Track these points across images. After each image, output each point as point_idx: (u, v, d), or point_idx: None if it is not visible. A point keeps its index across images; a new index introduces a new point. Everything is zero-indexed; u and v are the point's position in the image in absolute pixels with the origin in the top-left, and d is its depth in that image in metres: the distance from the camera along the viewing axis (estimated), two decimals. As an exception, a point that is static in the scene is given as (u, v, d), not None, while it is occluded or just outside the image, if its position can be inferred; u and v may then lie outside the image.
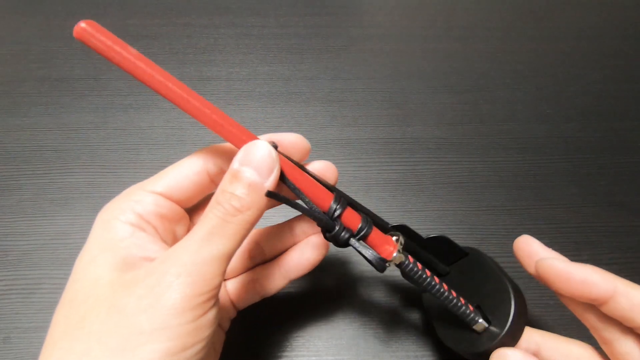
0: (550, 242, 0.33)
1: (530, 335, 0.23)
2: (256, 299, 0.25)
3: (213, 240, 0.18)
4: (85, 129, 0.40)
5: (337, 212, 0.21)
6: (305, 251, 0.24)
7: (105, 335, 0.16)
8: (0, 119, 0.40)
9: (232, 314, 0.26)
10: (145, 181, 0.22)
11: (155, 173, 0.22)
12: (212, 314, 0.18)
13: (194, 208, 0.24)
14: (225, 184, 0.19)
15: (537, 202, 0.36)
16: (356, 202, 0.23)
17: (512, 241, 0.33)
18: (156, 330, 0.16)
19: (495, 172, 0.38)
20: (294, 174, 0.21)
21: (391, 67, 0.48)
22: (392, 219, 0.34)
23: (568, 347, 0.22)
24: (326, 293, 0.30)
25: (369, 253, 0.22)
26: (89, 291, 0.18)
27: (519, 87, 0.46)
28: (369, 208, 0.24)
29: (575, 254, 0.33)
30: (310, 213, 0.21)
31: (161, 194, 0.21)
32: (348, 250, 0.32)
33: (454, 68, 0.48)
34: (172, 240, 0.22)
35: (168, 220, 0.22)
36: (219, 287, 0.18)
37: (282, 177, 0.20)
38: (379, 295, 0.30)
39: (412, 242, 0.25)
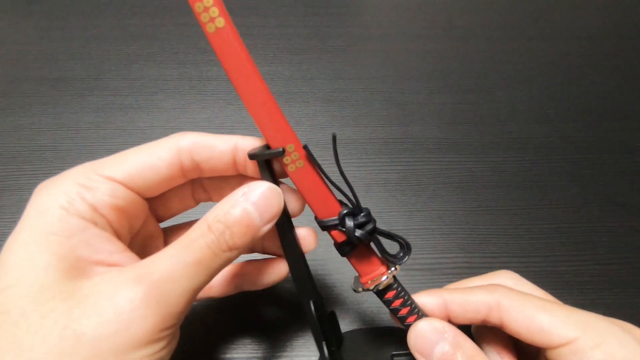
0: (550, 242, 0.34)
1: (439, 295, 0.21)
2: (199, 299, 0.24)
3: (199, 270, 0.16)
4: (85, 129, 0.40)
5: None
6: (261, 271, 0.23)
7: None
8: (0, 119, 0.40)
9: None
10: (100, 162, 0.19)
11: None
12: (174, 344, 0.17)
13: (155, 197, 0.21)
14: (222, 214, 0.17)
15: (537, 202, 0.36)
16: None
17: (512, 241, 0.33)
18: None
19: (495, 172, 0.38)
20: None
21: (391, 67, 0.48)
22: (392, 219, 0.34)
23: (470, 298, 0.20)
24: (326, 293, 0.30)
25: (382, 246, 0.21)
26: (28, 303, 0.15)
27: (519, 87, 0.46)
28: (369, 208, 0.23)
29: (575, 254, 0.33)
30: (344, 194, 0.20)
31: (121, 183, 0.18)
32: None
33: (454, 68, 0.48)
34: (127, 235, 0.19)
35: (125, 213, 0.19)
36: (183, 318, 0.17)
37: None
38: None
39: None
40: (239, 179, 0.22)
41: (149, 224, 0.22)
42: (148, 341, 0.15)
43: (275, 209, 0.18)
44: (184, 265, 0.16)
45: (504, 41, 0.52)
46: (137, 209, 0.20)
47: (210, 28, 0.17)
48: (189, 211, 0.24)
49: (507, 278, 0.22)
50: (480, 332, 0.22)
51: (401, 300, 0.21)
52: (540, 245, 0.33)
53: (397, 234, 0.21)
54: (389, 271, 0.21)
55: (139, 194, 0.19)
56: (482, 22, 0.55)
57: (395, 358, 0.23)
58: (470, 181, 0.37)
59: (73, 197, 0.17)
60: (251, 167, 0.21)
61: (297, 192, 0.21)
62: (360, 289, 0.22)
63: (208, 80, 0.45)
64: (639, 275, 0.32)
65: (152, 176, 0.19)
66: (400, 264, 0.21)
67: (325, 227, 0.21)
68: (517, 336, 0.19)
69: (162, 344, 0.16)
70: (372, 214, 0.21)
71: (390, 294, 0.21)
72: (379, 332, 0.26)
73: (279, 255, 0.24)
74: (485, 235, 0.34)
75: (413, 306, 0.21)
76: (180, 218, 0.24)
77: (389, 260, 0.21)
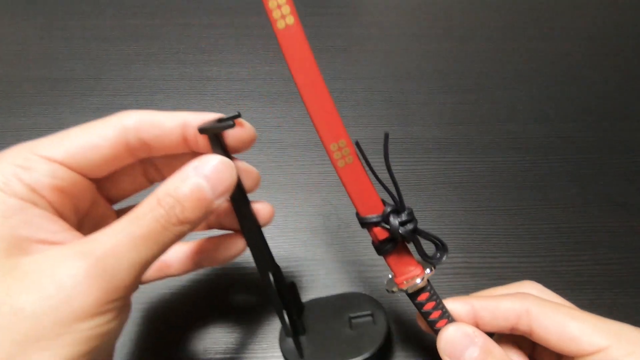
0: (550, 242, 0.34)
1: (467, 302, 0.21)
2: (153, 277, 0.23)
3: (147, 244, 0.16)
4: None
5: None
6: (218, 247, 0.23)
7: None
8: (0, 119, 0.40)
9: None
10: (38, 141, 0.18)
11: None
12: (124, 316, 0.17)
13: (103, 178, 0.20)
14: (173, 188, 0.17)
15: (537, 202, 0.36)
16: None
17: (512, 241, 0.33)
18: (60, 335, 0.14)
19: (495, 172, 0.38)
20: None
21: (391, 67, 0.48)
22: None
23: (500, 305, 0.20)
24: (326, 292, 0.30)
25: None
26: None
27: (519, 87, 0.46)
28: (411, 207, 0.22)
29: (575, 254, 0.33)
30: (387, 189, 0.20)
31: (61, 163, 0.18)
32: (348, 250, 0.32)
33: (454, 68, 0.48)
34: (73, 216, 0.19)
35: (67, 194, 0.18)
36: (134, 290, 0.17)
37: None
38: (379, 295, 0.30)
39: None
40: (192, 156, 0.21)
41: (99, 205, 0.21)
42: (92, 314, 0.15)
43: (228, 182, 0.18)
44: (130, 239, 0.16)
45: (504, 41, 0.52)
46: (81, 190, 0.19)
47: (280, 24, 0.17)
48: (145, 191, 0.23)
49: (531, 288, 0.22)
50: (499, 342, 0.22)
51: (433, 303, 0.21)
52: (540, 245, 0.33)
53: (435, 234, 0.21)
54: (425, 273, 0.21)
55: (82, 174, 0.19)
56: (482, 22, 0.55)
57: (352, 320, 0.25)
58: (470, 181, 0.37)
59: (9, 177, 0.16)
60: (203, 142, 0.20)
61: (251, 167, 0.21)
62: (394, 289, 0.22)
63: (208, 80, 0.45)
64: (639, 275, 0.32)
65: (95, 156, 0.18)
66: (436, 265, 0.21)
67: (367, 223, 0.21)
68: (546, 344, 0.19)
69: (108, 316, 0.15)
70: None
71: (423, 296, 0.21)
72: (336, 299, 0.27)
73: (236, 231, 0.24)
74: (485, 235, 0.34)
75: (444, 310, 0.21)
76: (136, 199, 0.23)
77: (426, 260, 0.21)
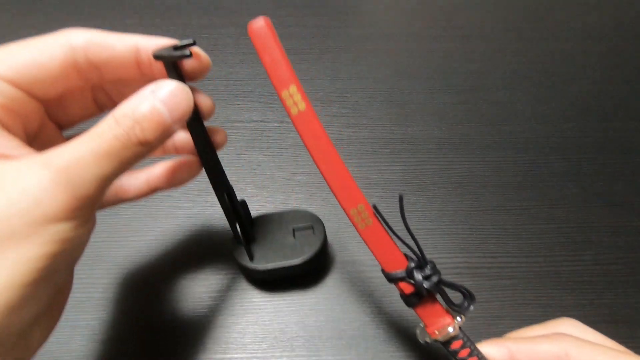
0: (550, 242, 0.34)
1: (504, 345, 0.21)
2: (112, 202, 0.24)
3: (109, 160, 0.16)
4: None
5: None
6: (175, 169, 0.24)
7: None
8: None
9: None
10: None
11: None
12: (90, 226, 0.18)
13: (52, 102, 0.20)
14: (130, 110, 0.17)
15: (537, 202, 0.36)
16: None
17: (512, 241, 0.33)
18: (30, 235, 0.15)
19: (495, 172, 0.38)
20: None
21: (391, 67, 0.48)
22: (392, 219, 0.34)
23: (537, 348, 0.20)
24: (326, 292, 0.30)
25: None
26: None
27: (519, 87, 0.46)
28: (433, 261, 0.23)
29: (575, 254, 0.33)
30: (408, 245, 0.21)
31: (9, 81, 0.18)
32: (349, 250, 0.32)
33: (454, 68, 0.48)
34: (23, 136, 0.19)
35: (15, 113, 0.18)
36: (97, 205, 0.17)
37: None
38: (379, 295, 0.30)
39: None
40: (144, 84, 0.21)
41: (48, 129, 0.21)
42: (60, 218, 0.15)
43: (185, 106, 0.18)
44: (92, 154, 0.16)
45: (504, 41, 0.52)
46: (30, 110, 0.19)
47: (294, 111, 0.20)
48: (95, 119, 0.23)
49: (571, 326, 0.21)
50: None
51: (468, 350, 0.21)
52: (540, 245, 0.33)
53: (460, 284, 0.21)
54: (455, 321, 0.22)
55: (29, 93, 0.18)
56: (482, 22, 0.55)
57: (295, 231, 0.29)
58: (470, 181, 0.37)
59: None
60: (158, 68, 0.20)
61: (206, 95, 0.22)
62: (427, 340, 0.22)
63: (208, 80, 0.45)
64: (639, 275, 0.32)
65: (42, 75, 0.18)
66: (465, 314, 0.22)
67: (392, 279, 0.22)
68: None
69: (75, 222, 0.16)
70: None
71: (456, 344, 0.21)
72: (282, 214, 0.30)
73: (192, 155, 0.25)
74: (485, 235, 0.34)
75: (480, 357, 0.21)
76: (86, 126, 0.23)
77: (454, 310, 0.22)
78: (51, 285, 0.17)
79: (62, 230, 0.15)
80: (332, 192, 0.21)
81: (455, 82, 0.46)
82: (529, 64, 0.49)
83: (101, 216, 0.20)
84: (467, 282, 0.31)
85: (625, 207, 0.36)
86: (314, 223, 0.30)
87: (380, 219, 0.21)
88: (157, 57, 0.20)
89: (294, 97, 0.19)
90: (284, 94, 0.19)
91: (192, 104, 0.19)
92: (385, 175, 0.37)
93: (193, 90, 0.21)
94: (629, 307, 0.30)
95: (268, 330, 0.28)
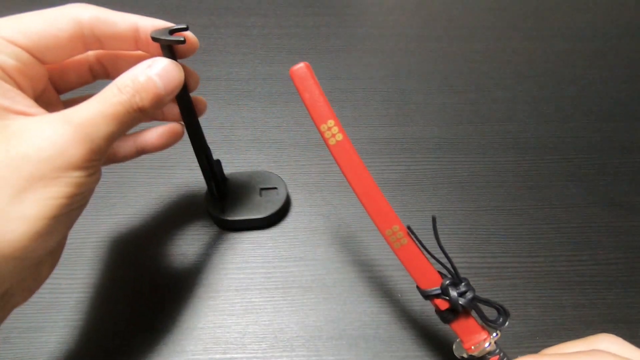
0: (550, 242, 0.34)
1: None
2: (106, 164, 0.26)
3: (115, 122, 0.19)
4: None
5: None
6: (163, 135, 0.27)
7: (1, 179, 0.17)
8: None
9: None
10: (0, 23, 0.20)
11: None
12: (98, 176, 0.20)
13: (54, 68, 0.23)
14: (131, 81, 0.20)
15: (537, 202, 0.36)
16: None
17: (512, 241, 0.33)
18: (56, 178, 0.18)
19: (495, 172, 0.38)
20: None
21: (391, 67, 0.48)
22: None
23: None
24: (326, 292, 0.30)
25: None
26: None
27: (519, 87, 0.46)
28: (467, 278, 0.24)
29: (575, 254, 0.33)
30: (442, 263, 0.22)
31: (24, 48, 0.20)
32: (348, 250, 0.32)
33: (454, 68, 0.48)
34: (32, 97, 0.21)
35: (28, 76, 0.20)
36: (104, 158, 0.20)
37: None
38: (379, 295, 0.30)
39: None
40: (138, 58, 0.24)
41: (48, 92, 0.24)
42: (79, 167, 0.18)
43: (177, 81, 0.22)
44: (102, 116, 0.19)
45: (504, 41, 0.52)
46: (38, 74, 0.21)
47: (332, 142, 0.22)
48: (88, 87, 0.26)
49: (610, 343, 0.21)
50: None
51: None
52: (540, 245, 0.33)
53: (495, 300, 0.22)
54: (491, 337, 0.22)
55: (39, 59, 0.21)
56: (482, 22, 0.55)
57: (262, 190, 0.34)
58: (470, 181, 0.37)
59: None
60: (153, 46, 0.23)
61: (193, 70, 0.25)
62: (464, 355, 0.23)
63: (208, 80, 0.45)
64: (639, 275, 0.32)
65: (52, 44, 0.20)
66: (500, 330, 0.22)
67: (428, 296, 0.22)
68: None
69: (90, 171, 0.19)
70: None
71: (493, 359, 0.22)
72: (251, 174, 0.34)
73: (176, 121, 0.28)
74: (485, 235, 0.34)
75: None
76: (79, 92, 0.25)
77: (489, 326, 0.22)
78: (66, 223, 0.19)
79: (79, 176, 0.18)
80: (368, 214, 0.22)
81: (455, 82, 0.46)
82: (529, 64, 0.49)
83: None
84: (467, 282, 0.31)
85: (625, 207, 0.36)
86: (279, 184, 0.34)
87: (414, 239, 0.22)
88: (155, 39, 0.22)
89: (332, 129, 0.22)
90: (323, 127, 0.22)
91: (182, 79, 0.22)
92: (385, 175, 0.37)
93: (182, 66, 0.23)
94: (629, 307, 0.30)
95: (268, 330, 0.28)
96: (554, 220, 0.35)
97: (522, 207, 0.35)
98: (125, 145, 0.27)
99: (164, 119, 0.28)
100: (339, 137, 0.22)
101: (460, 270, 0.31)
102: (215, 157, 0.31)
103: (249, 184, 0.34)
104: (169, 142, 0.27)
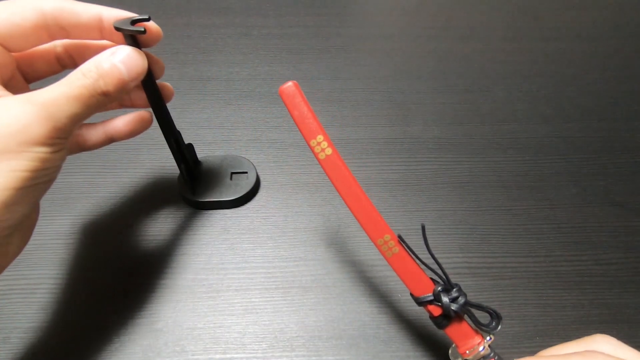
0: (550, 242, 0.34)
1: None
2: (75, 151, 0.27)
3: (79, 103, 0.20)
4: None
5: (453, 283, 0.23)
6: (131, 122, 0.28)
7: None
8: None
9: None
10: None
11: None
12: (64, 153, 0.21)
13: (22, 57, 0.24)
14: (94, 65, 0.21)
15: (537, 202, 0.36)
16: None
17: (512, 241, 0.33)
18: (21, 152, 0.19)
19: (495, 172, 0.38)
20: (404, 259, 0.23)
21: (391, 67, 0.48)
22: (392, 219, 0.34)
23: None
24: (326, 292, 0.30)
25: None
26: None
27: (519, 87, 0.46)
28: (459, 284, 0.24)
29: (575, 254, 0.33)
30: (434, 271, 0.23)
31: None
32: (348, 250, 0.32)
33: (454, 68, 0.48)
34: (2, 84, 0.22)
35: None
36: (69, 138, 0.21)
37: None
38: (379, 295, 0.30)
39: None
40: (104, 48, 0.24)
41: (16, 79, 0.25)
42: (43, 143, 0.19)
43: (140, 67, 0.23)
44: (66, 97, 0.20)
45: (504, 41, 0.52)
46: (5, 61, 0.22)
47: (321, 156, 0.22)
48: (57, 76, 0.26)
49: (605, 343, 0.21)
50: None
51: None
52: (540, 245, 0.33)
53: (487, 304, 0.22)
54: (485, 340, 0.22)
55: (5, 47, 0.22)
56: (482, 22, 0.55)
57: (233, 174, 0.35)
58: (470, 181, 0.37)
59: None
60: (117, 35, 0.24)
61: (158, 57, 0.26)
62: (459, 359, 0.23)
63: (208, 80, 0.45)
64: (639, 275, 0.32)
65: (17, 33, 0.22)
66: (494, 333, 0.23)
67: (421, 302, 0.23)
68: None
69: (55, 148, 0.20)
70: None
71: None
72: (223, 159, 0.36)
73: (144, 108, 0.29)
74: (485, 235, 0.34)
75: None
76: (49, 82, 0.25)
77: (483, 330, 0.23)
78: (31, 196, 0.21)
79: (42, 151, 0.19)
80: (360, 224, 0.22)
81: (455, 82, 0.46)
82: (529, 64, 0.49)
83: (61, 173, 0.23)
84: (467, 282, 0.31)
85: (625, 207, 0.36)
86: (249, 169, 0.36)
87: (405, 247, 0.23)
88: (117, 29, 0.23)
89: (321, 144, 0.22)
90: (312, 142, 0.22)
91: (146, 65, 0.23)
92: (385, 175, 0.37)
93: (147, 54, 0.24)
94: (629, 307, 0.30)
95: (268, 330, 0.28)
96: (554, 220, 0.35)
97: (522, 207, 0.35)
98: (95, 133, 0.28)
99: (132, 105, 0.29)
100: (329, 151, 0.22)
101: (460, 270, 0.31)
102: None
103: (220, 167, 0.35)
104: (138, 129, 0.28)
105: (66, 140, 0.21)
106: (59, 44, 0.25)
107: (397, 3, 0.58)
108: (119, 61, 0.22)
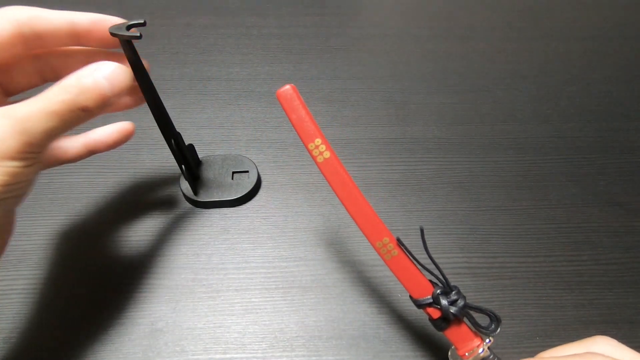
0: (550, 242, 0.34)
1: None
2: (53, 164, 0.27)
3: (56, 118, 0.20)
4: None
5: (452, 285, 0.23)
6: (113, 134, 0.28)
7: None
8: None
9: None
10: None
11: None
12: (38, 167, 0.21)
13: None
14: (76, 80, 0.21)
15: (537, 202, 0.36)
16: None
17: (512, 241, 0.33)
18: None
19: (495, 172, 0.38)
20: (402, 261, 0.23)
21: (391, 67, 0.48)
22: (392, 219, 0.34)
23: None
24: (326, 292, 0.30)
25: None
26: None
27: (519, 87, 0.46)
28: (457, 286, 0.24)
29: (575, 254, 0.33)
30: (432, 273, 0.23)
31: None
32: (348, 250, 0.32)
33: (454, 68, 0.48)
34: None
35: None
36: (42, 153, 0.21)
37: None
38: (379, 295, 0.30)
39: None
40: (85, 60, 0.25)
41: None
42: (15, 157, 0.19)
43: (124, 83, 0.22)
44: (43, 112, 0.20)
45: (504, 41, 0.52)
46: None
47: (320, 159, 0.22)
48: (38, 89, 0.25)
49: (605, 345, 0.21)
50: None
51: None
52: (540, 245, 0.33)
53: (486, 307, 0.22)
54: (484, 343, 0.22)
55: None
56: (481, 22, 0.55)
57: (234, 174, 0.36)
58: (470, 181, 0.37)
59: None
60: (95, 39, 0.24)
61: (147, 64, 0.26)
62: None
63: (208, 80, 0.45)
64: (639, 275, 0.32)
65: None
66: (493, 336, 0.23)
67: (420, 305, 0.23)
68: None
69: (27, 162, 0.20)
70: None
71: None
72: (224, 158, 0.36)
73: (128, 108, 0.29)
74: (485, 235, 0.34)
75: None
76: (29, 94, 0.25)
77: (482, 332, 0.23)
78: (2, 210, 0.20)
79: (14, 166, 0.19)
80: (359, 227, 0.22)
81: (455, 82, 0.46)
82: (529, 64, 0.49)
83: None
84: (467, 282, 0.31)
85: (625, 207, 0.36)
86: (250, 168, 0.36)
87: (404, 250, 0.23)
88: (113, 34, 0.23)
89: (319, 147, 0.22)
90: (311, 145, 0.22)
91: (130, 81, 0.23)
92: (385, 175, 0.37)
93: (143, 59, 0.25)
94: (629, 307, 0.30)
95: (268, 330, 0.28)
96: (554, 220, 0.35)
97: (522, 207, 0.35)
98: (74, 145, 0.27)
99: (125, 108, 0.29)
100: (327, 154, 0.22)
101: (460, 270, 0.31)
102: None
103: (222, 166, 0.36)
104: (119, 140, 0.28)
105: (39, 154, 0.21)
106: (37, 55, 0.25)
107: (397, 3, 0.58)
108: (102, 77, 0.21)
